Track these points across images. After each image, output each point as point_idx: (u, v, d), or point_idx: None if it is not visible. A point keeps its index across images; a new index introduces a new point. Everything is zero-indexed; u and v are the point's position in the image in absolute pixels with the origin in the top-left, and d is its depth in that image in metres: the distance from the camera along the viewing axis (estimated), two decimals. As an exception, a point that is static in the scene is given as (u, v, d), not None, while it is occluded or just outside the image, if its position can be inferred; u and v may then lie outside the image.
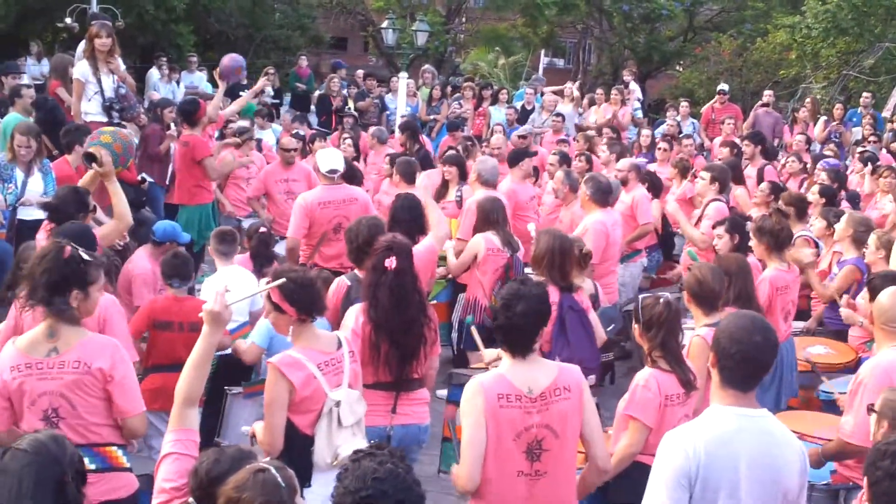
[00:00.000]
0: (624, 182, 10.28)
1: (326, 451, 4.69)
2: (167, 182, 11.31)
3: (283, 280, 4.63)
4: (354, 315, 5.43)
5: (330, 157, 8.79)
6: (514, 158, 10.30)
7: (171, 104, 11.95)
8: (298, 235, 8.41)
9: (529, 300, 4.40)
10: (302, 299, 4.75)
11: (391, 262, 5.33)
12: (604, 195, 8.80)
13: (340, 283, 6.35)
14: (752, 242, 7.36)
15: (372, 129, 14.14)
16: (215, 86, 19.10)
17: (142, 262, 7.75)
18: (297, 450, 4.67)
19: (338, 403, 4.72)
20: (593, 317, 6.93)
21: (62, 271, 4.42)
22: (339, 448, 4.69)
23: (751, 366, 3.74)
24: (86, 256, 4.54)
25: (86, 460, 4.12)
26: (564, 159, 11.14)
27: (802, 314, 8.49)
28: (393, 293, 5.35)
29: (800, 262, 8.03)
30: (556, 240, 6.78)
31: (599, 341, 6.88)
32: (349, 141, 12.28)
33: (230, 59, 11.45)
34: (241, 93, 17.45)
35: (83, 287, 4.48)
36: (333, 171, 8.57)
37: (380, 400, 5.35)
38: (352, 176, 9.57)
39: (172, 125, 11.20)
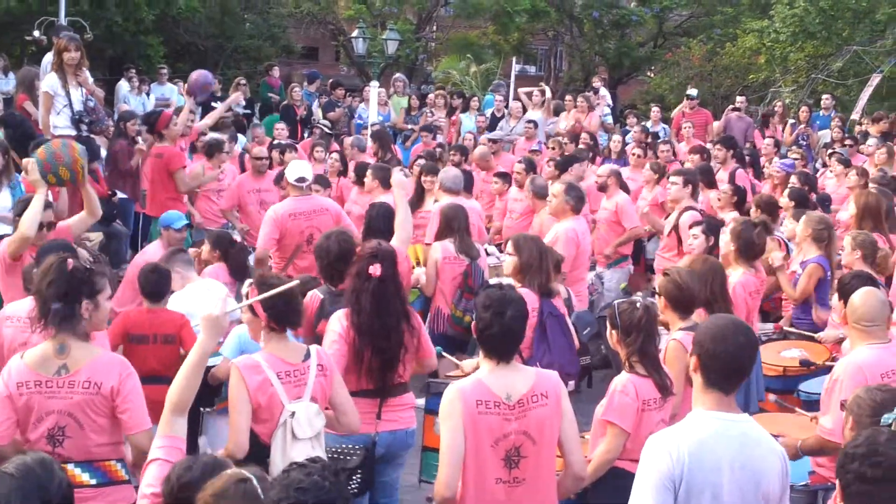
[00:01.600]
0: (603, 188, 10.33)
1: (280, 463, 4.60)
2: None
3: (276, 291, 4.57)
4: (338, 320, 5.39)
5: (298, 166, 8.79)
6: (564, 164, 10.78)
7: (133, 116, 11.89)
8: (268, 247, 8.42)
9: (518, 305, 4.40)
10: (277, 309, 4.73)
11: (375, 269, 5.30)
12: (581, 203, 8.84)
13: (314, 297, 6.31)
14: (722, 243, 7.37)
15: (350, 138, 14.13)
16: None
17: (157, 253, 7.95)
18: (255, 458, 4.57)
19: (293, 414, 4.66)
20: (570, 322, 6.97)
21: (69, 282, 4.40)
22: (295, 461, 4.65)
23: (734, 367, 3.77)
24: (89, 265, 4.55)
25: (86, 476, 4.24)
26: (531, 167, 11.16)
27: (768, 316, 8.56)
28: (375, 299, 5.31)
29: (770, 263, 8.07)
30: (538, 245, 6.81)
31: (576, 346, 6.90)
32: (336, 156, 12.23)
33: (198, 75, 11.39)
34: (213, 104, 17.48)
35: (92, 296, 4.47)
36: (302, 180, 8.57)
37: (365, 407, 5.30)
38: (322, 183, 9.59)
39: (139, 139, 11.12)
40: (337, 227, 6.84)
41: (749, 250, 7.26)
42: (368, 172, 9.99)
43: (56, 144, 7.00)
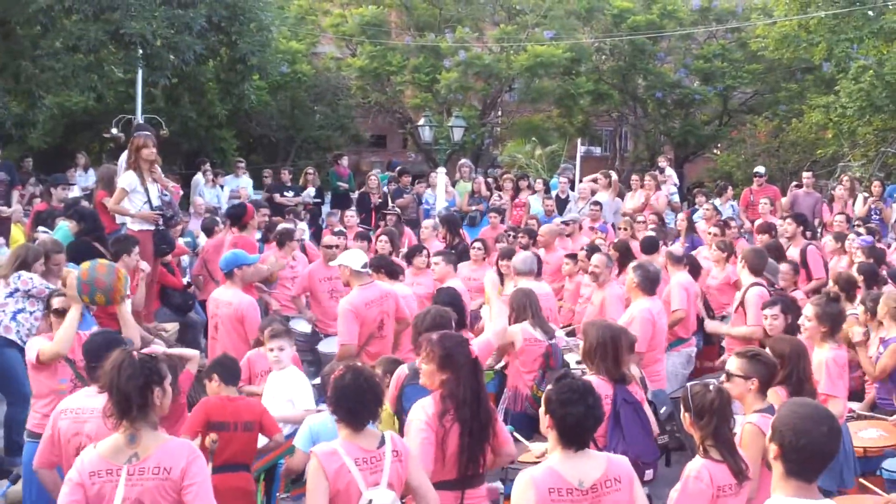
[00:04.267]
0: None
1: None
2: None
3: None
4: (422, 408, 5.33)
5: (356, 255, 8.91)
6: (650, 247, 11.11)
7: None
8: (354, 340, 8.41)
9: (595, 394, 4.43)
10: (345, 408, 4.86)
11: (473, 352, 5.39)
12: (651, 283, 8.81)
13: (400, 373, 6.40)
14: (809, 325, 7.21)
15: (430, 220, 14.28)
16: (257, 187, 19.60)
17: (238, 296, 8.67)
18: None
19: (370, 502, 4.68)
20: (647, 409, 6.77)
21: (143, 373, 4.51)
22: None
23: (818, 458, 3.75)
24: (152, 353, 4.72)
25: None
26: (592, 251, 11.17)
27: (856, 395, 8.37)
28: (473, 387, 5.33)
29: (850, 338, 7.95)
30: (605, 331, 6.63)
31: (654, 433, 6.76)
32: (385, 238, 12.37)
33: None
34: (285, 194, 17.91)
35: (160, 383, 4.59)
36: (366, 266, 8.70)
37: (448, 500, 5.26)
38: (392, 272, 9.68)
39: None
40: (434, 306, 6.95)
41: (835, 326, 7.18)
42: (440, 258, 10.09)
43: (102, 269, 6.91)
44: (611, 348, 6.49)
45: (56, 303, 7.04)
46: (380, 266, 9.40)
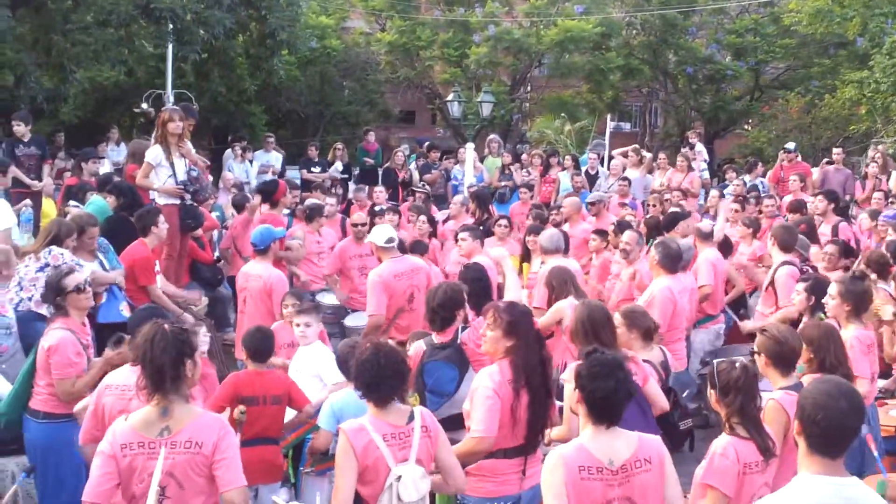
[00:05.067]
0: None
1: None
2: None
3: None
4: (489, 376, 5.42)
5: (381, 230, 9.02)
6: (671, 222, 10.89)
7: None
8: (382, 311, 8.49)
9: (623, 371, 4.43)
10: (366, 379, 4.89)
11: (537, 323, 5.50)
12: (672, 261, 8.77)
13: (417, 349, 6.44)
14: (833, 303, 7.15)
15: (459, 196, 14.29)
16: (288, 163, 19.63)
17: (268, 270, 8.87)
18: None
19: (399, 478, 4.71)
20: (652, 387, 6.66)
21: (176, 345, 4.54)
22: None
23: (837, 432, 3.73)
24: (183, 325, 4.75)
25: None
26: (622, 227, 11.11)
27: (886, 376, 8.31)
28: (540, 357, 5.48)
29: (880, 317, 7.87)
30: (586, 310, 6.52)
31: (660, 411, 6.67)
32: (423, 218, 12.39)
33: None
34: (312, 169, 17.95)
35: (192, 355, 4.63)
36: (391, 241, 8.74)
37: (512, 466, 5.40)
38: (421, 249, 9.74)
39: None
40: (445, 282, 6.97)
41: (861, 305, 7.11)
42: (467, 234, 10.12)
43: None
44: (590, 328, 6.36)
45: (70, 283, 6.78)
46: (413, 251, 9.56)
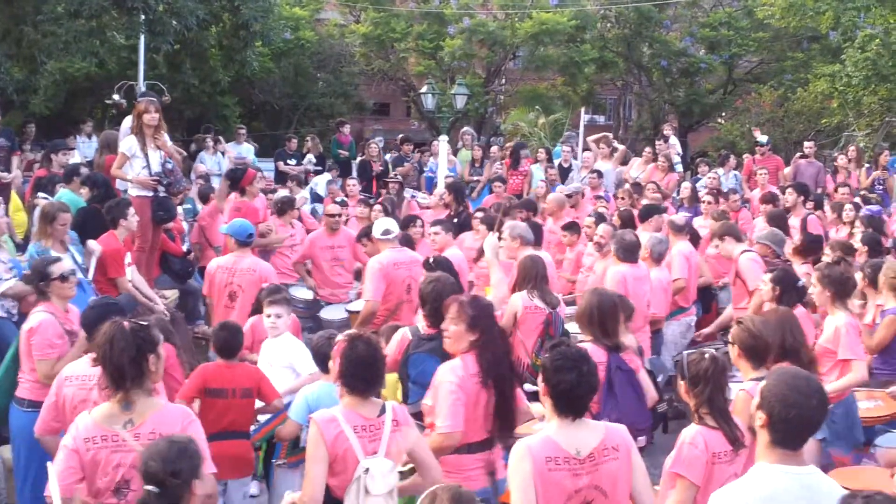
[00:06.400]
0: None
1: None
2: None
3: None
4: (451, 370, 5.39)
5: (383, 221, 9.13)
6: (646, 214, 10.84)
7: None
8: (378, 298, 8.52)
9: (590, 361, 4.43)
10: (355, 376, 4.85)
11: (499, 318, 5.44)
12: (628, 251, 8.79)
13: (403, 337, 6.41)
14: (815, 290, 7.20)
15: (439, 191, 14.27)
16: (261, 155, 19.56)
17: (258, 263, 8.95)
18: None
19: (367, 470, 4.69)
20: (644, 377, 6.75)
21: (136, 343, 4.51)
22: None
23: (805, 429, 3.79)
24: (143, 321, 4.67)
25: None
26: (601, 219, 11.13)
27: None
28: (504, 350, 5.50)
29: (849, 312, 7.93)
30: (596, 297, 6.63)
31: (651, 401, 6.73)
32: (378, 208, 12.35)
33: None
34: (287, 162, 17.88)
35: (154, 350, 4.59)
36: (387, 232, 8.73)
37: (474, 463, 5.39)
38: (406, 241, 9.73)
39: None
40: (437, 273, 6.92)
41: (843, 289, 7.15)
42: (440, 227, 10.09)
43: None
44: (597, 315, 6.48)
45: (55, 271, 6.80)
46: (369, 234, 9.52)
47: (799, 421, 3.74)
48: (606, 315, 6.52)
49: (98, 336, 4.61)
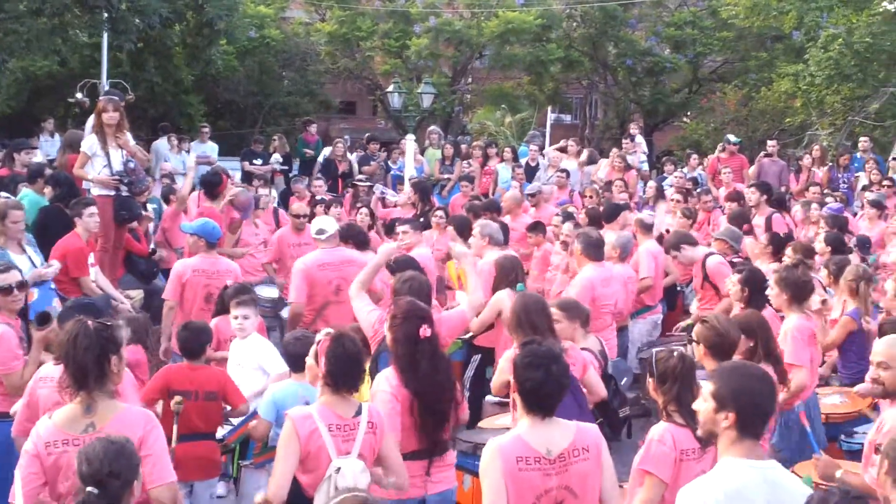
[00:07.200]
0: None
1: None
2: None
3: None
4: (386, 379, 5.37)
5: (319, 220, 9.06)
6: (612, 213, 10.70)
7: None
8: (302, 300, 8.47)
9: (561, 360, 4.42)
10: (339, 371, 4.85)
11: (426, 331, 5.34)
12: (595, 249, 8.76)
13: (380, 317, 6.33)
14: (773, 293, 7.20)
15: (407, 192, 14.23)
16: (226, 154, 19.42)
17: (231, 264, 8.89)
18: None
19: (338, 469, 4.69)
20: (592, 376, 6.63)
21: (99, 343, 4.45)
22: None
23: (769, 415, 3.90)
24: (107, 321, 4.62)
25: None
26: (568, 217, 11.16)
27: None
28: (430, 360, 5.36)
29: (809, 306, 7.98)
30: (521, 299, 6.50)
31: (598, 399, 6.65)
32: (364, 211, 12.31)
33: (247, 199, 11.61)
34: (254, 161, 17.77)
35: (117, 351, 4.53)
36: (321, 232, 8.71)
37: (416, 469, 5.32)
38: (361, 242, 9.65)
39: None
40: (412, 272, 6.83)
41: (799, 293, 7.15)
42: (408, 226, 10.05)
43: None
44: (524, 317, 6.28)
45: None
46: (348, 236, 9.39)
47: (764, 409, 3.84)
48: (533, 315, 6.32)
49: (61, 334, 4.54)
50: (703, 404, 3.93)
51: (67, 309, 6.22)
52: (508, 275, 8.19)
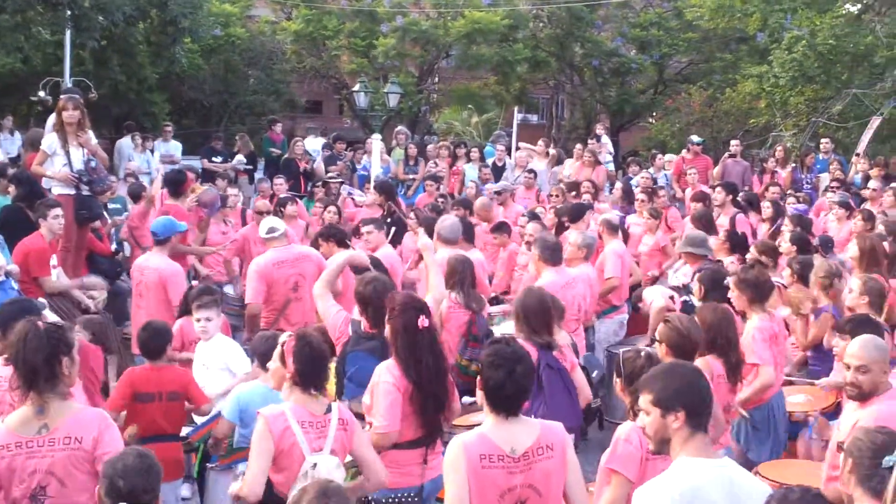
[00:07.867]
0: (598, 236, 10.30)
1: None
2: None
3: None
4: (387, 370, 5.40)
5: (265, 222, 9.09)
6: (577, 213, 10.68)
7: None
8: (259, 300, 8.46)
9: (526, 360, 4.43)
10: (307, 370, 4.87)
11: (424, 322, 5.39)
12: (553, 253, 8.74)
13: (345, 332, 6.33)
14: (733, 295, 7.21)
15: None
16: (190, 153, 19.28)
17: (164, 262, 8.62)
18: None
19: (314, 466, 4.71)
20: (579, 375, 6.70)
21: (50, 343, 4.40)
22: None
23: (709, 409, 3.95)
24: (58, 322, 4.57)
25: None
26: (533, 218, 11.15)
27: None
28: (431, 352, 5.43)
29: (801, 310, 8.02)
30: (525, 295, 6.66)
31: (585, 400, 6.70)
32: (332, 209, 12.28)
33: (213, 197, 11.53)
34: (213, 159, 17.63)
35: (69, 352, 4.47)
36: (271, 231, 8.73)
37: (415, 457, 5.41)
38: (341, 240, 9.60)
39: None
40: (373, 272, 6.81)
41: (758, 293, 7.17)
42: (372, 226, 10.01)
43: None
44: (531, 313, 6.46)
45: None
46: (329, 235, 9.33)
47: (708, 400, 3.93)
48: (536, 312, 6.49)
49: (11, 334, 4.50)
50: (648, 417, 3.95)
51: (7, 304, 6.14)
52: (456, 275, 8.17)
